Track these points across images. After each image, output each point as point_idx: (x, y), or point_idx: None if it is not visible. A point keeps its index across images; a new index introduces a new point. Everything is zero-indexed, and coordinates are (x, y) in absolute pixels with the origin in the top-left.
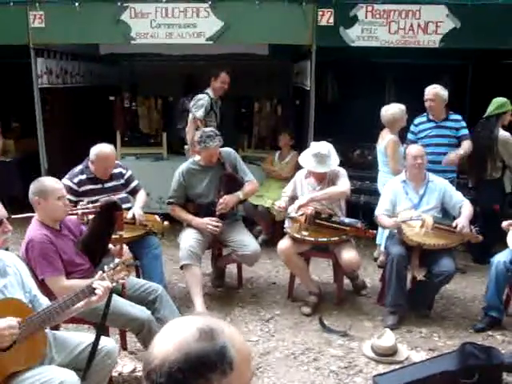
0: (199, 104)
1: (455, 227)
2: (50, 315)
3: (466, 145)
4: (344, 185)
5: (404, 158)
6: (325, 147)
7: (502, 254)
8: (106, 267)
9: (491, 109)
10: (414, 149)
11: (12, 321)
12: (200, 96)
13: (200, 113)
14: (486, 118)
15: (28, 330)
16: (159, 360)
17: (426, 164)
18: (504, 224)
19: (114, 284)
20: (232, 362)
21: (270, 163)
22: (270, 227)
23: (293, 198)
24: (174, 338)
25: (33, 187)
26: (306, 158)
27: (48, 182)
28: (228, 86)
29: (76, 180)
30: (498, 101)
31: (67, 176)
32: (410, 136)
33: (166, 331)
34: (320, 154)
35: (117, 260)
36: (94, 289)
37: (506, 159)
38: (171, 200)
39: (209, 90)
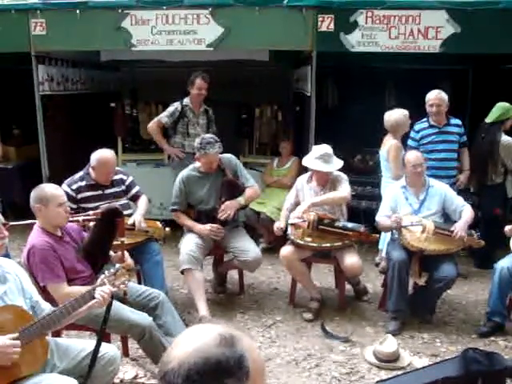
0: (168, 109)
1: (453, 231)
2: (50, 322)
3: (467, 160)
4: (345, 190)
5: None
6: (328, 147)
7: (505, 260)
8: (106, 272)
9: (497, 114)
10: (412, 156)
11: (14, 339)
12: (173, 103)
13: (165, 118)
14: (490, 123)
15: (28, 338)
16: (178, 361)
17: (425, 170)
18: (507, 228)
19: (115, 289)
20: (248, 371)
21: (268, 173)
22: (272, 235)
23: (296, 205)
24: (195, 341)
25: (33, 195)
26: (311, 161)
27: (48, 188)
28: (206, 91)
29: (74, 186)
30: (502, 106)
31: (66, 182)
32: (410, 143)
33: (187, 335)
34: (325, 155)
35: (117, 265)
36: (95, 294)
37: (508, 164)
38: (174, 207)
39: (186, 99)
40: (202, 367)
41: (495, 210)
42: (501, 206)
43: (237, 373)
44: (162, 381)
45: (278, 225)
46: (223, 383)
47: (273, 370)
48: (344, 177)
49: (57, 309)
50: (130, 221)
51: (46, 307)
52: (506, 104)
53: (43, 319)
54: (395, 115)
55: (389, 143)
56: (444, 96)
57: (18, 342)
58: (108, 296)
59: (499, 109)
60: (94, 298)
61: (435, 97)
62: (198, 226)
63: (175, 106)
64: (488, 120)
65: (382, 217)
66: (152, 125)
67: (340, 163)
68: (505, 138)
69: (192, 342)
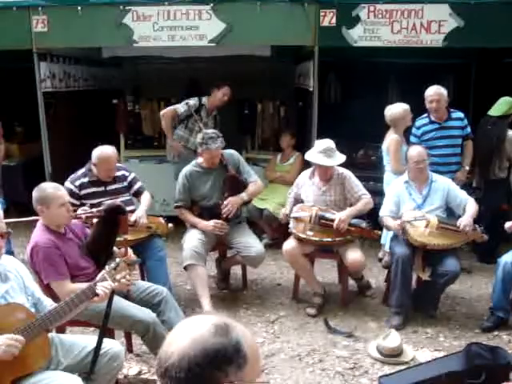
0: (187, 102)
1: (459, 226)
2: (51, 318)
3: (469, 156)
4: (365, 194)
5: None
6: (330, 142)
7: (508, 255)
8: (107, 267)
9: (504, 109)
10: (414, 152)
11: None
12: (192, 98)
13: (181, 109)
14: (496, 117)
15: (31, 335)
16: (177, 356)
17: (428, 165)
18: (508, 225)
19: (116, 283)
20: (246, 356)
21: (271, 169)
22: (275, 231)
23: (297, 200)
24: (191, 334)
25: (35, 196)
26: (314, 155)
27: (49, 189)
28: (228, 98)
29: (78, 183)
30: (509, 101)
31: (69, 179)
32: (412, 139)
33: (182, 328)
34: (328, 149)
35: (117, 259)
36: (96, 290)
37: None
38: (178, 204)
39: (204, 98)
40: (202, 359)
41: (502, 206)
42: (506, 201)
43: (235, 359)
44: (163, 377)
45: (284, 211)
46: (224, 371)
47: (276, 365)
48: (349, 174)
49: (58, 305)
50: (132, 217)
51: (48, 304)
52: (511, 98)
53: (45, 316)
54: (393, 109)
55: (389, 137)
56: (443, 91)
57: (22, 338)
58: (109, 291)
59: (506, 103)
60: (95, 293)
61: (434, 92)
62: (203, 223)
63: (193, 101)
64: (494, 114)
65: (387, 216)
66: (167, 111)
67: (342, 158)
68: (510, 132)
69: (188, 335)
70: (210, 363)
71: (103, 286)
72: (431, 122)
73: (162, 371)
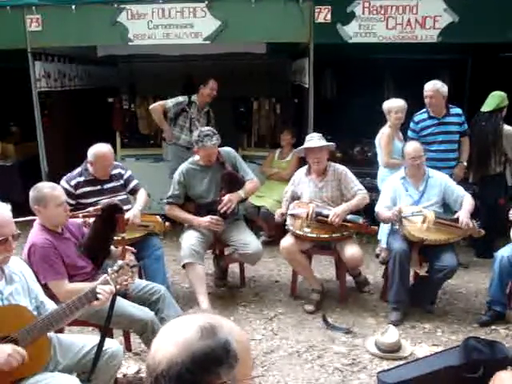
0: (176, 99)
1: (457, 220)
2: (53, 321)
3: (466, 151)
4: (361, 190)
5: (402, 155)
6: (317, 134)
7: (505, 249)
8: (109, 270)
9: (496, 102)
10: (410, 148)
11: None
12: (181, 96)
13: (170, 104)
14: (489, 112)
15: (32, 337)
16: (165, 364)
17: (426, 161)
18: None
19: (118, 287)
20: (236, 353)
21: (268, 165)
22: (272, 229)
23: (293, 197)
24: (177, 339)
25: (32, 196)
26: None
27: (46, 189)
28: (216, 92)
29: (73, 182)
30: (499, 95)
31: (65, 178)
32: (410, 134)
33: (167, 333)
34: (314, 136)
35: (120, 262)
36: (97, 293)
37: (509, 153)
38: (170, 200)
39: (194, 96)
40: (191, 364)
41: (500, 200)
42: (503, 196)
43: (226, 359)
44: None
45: (279, 211)
46: (216, 373)
47: (275, 362)
48: (345, 170)
49: (59, 308)
50: (126, 215)
51: (51, 307)
52: (501, 92)
53: (46, 318)
54: (391, 100)
55: (381, 131)
56: (439, 87)
57: (24, 351)
58: (110, 295)
59: (496, 97)
60: (96, 296)
61: (429, 88)
62: (198, 219)
63: (182, 98)
64: (487, 109)
65: (382, 208)
66: (156, 105)
67: (331, 143)
68: (505, 126)
69: (174, 340)
70: (200, 368)
71: (104, 290)
72: (430, 118)
73: (152, 380)
